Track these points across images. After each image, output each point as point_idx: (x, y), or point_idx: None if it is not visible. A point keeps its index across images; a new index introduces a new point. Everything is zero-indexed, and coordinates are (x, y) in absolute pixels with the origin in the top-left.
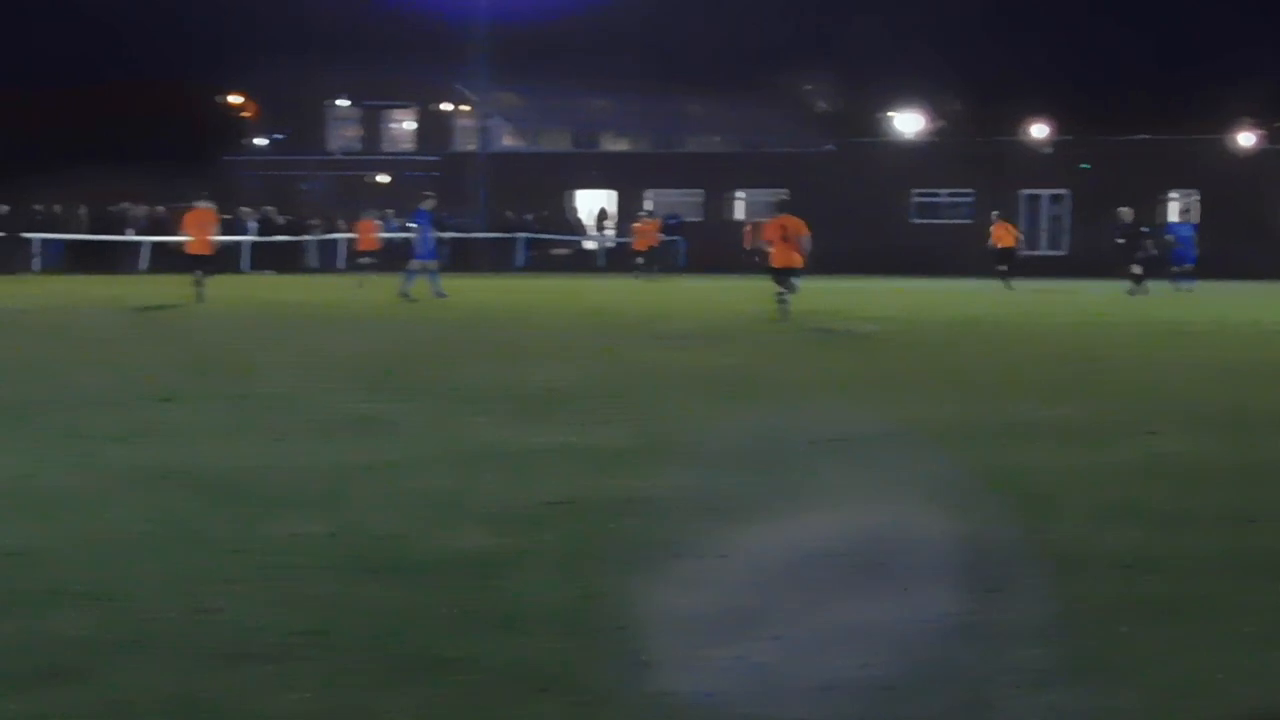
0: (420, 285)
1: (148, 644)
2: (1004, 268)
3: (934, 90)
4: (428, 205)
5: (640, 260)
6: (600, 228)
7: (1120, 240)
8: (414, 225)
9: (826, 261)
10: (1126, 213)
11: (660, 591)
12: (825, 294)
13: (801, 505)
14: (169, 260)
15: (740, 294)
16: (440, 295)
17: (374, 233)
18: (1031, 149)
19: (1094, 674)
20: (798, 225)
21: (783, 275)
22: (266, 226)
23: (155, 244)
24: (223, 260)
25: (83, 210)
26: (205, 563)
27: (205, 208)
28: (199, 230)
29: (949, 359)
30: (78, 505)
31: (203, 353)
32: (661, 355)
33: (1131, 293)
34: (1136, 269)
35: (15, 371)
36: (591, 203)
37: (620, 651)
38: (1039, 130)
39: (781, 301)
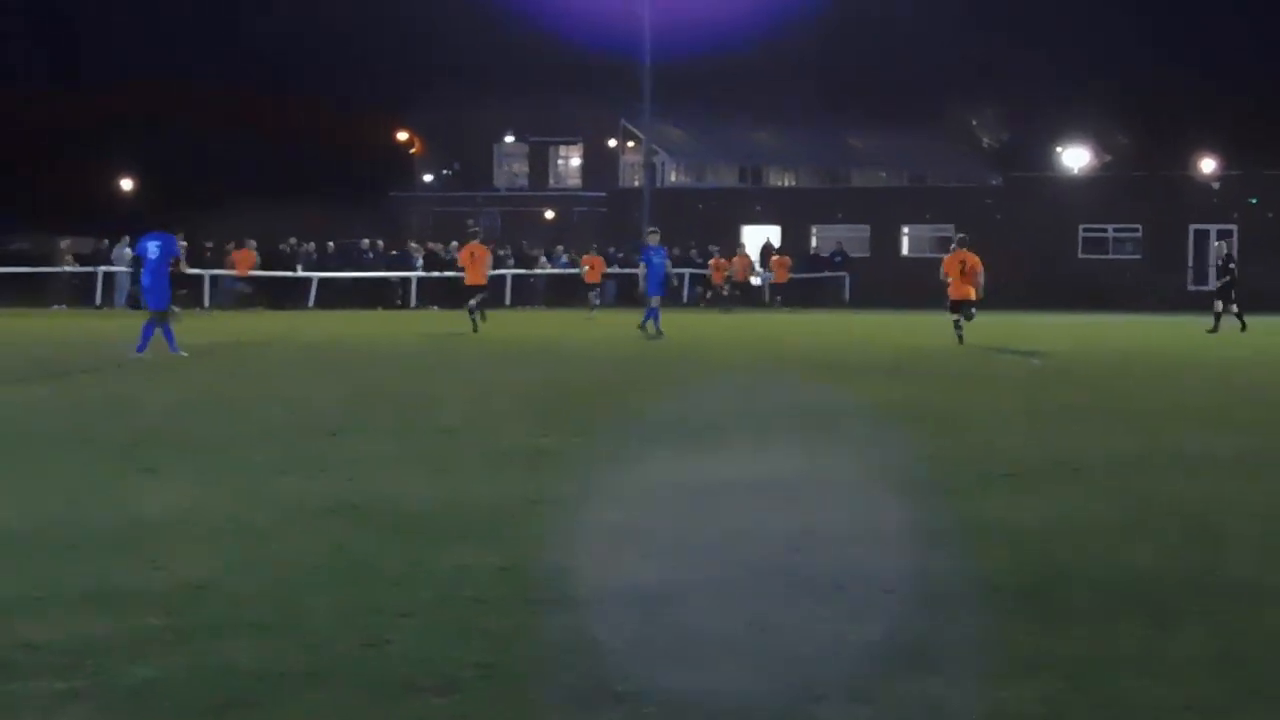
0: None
1: (320, 676)
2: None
3: (1101, 125)
4: (654, 240)
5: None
6: (765, 264)
7: (1223, 277)
8: (643, 261)
9: (993, 297)
10: (1222, 246)
11: (831, 623)
12: (993, 328)
13: (970, 538)
14: (332, 298)
15: (906, 328)
16: (658, 334)
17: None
18: (1199, 183)
19: (1270, 704)
20: (975, 261)
21: (960, 306)
22: (431, 262)
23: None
24: (494, 291)
25: (253, 245)
26: (376, 595)
27: (479, 243)
28: (474, 264)
29: (1116, 391)
30: (249, 538)
31: (370, 386)
32: (833, 388)
33: (1214, 329)
34: (1219, 305)
35: (188, 407)
36: (758, 239)
37: (793, 684)
38: (1207, 165)
39: (958, 329)
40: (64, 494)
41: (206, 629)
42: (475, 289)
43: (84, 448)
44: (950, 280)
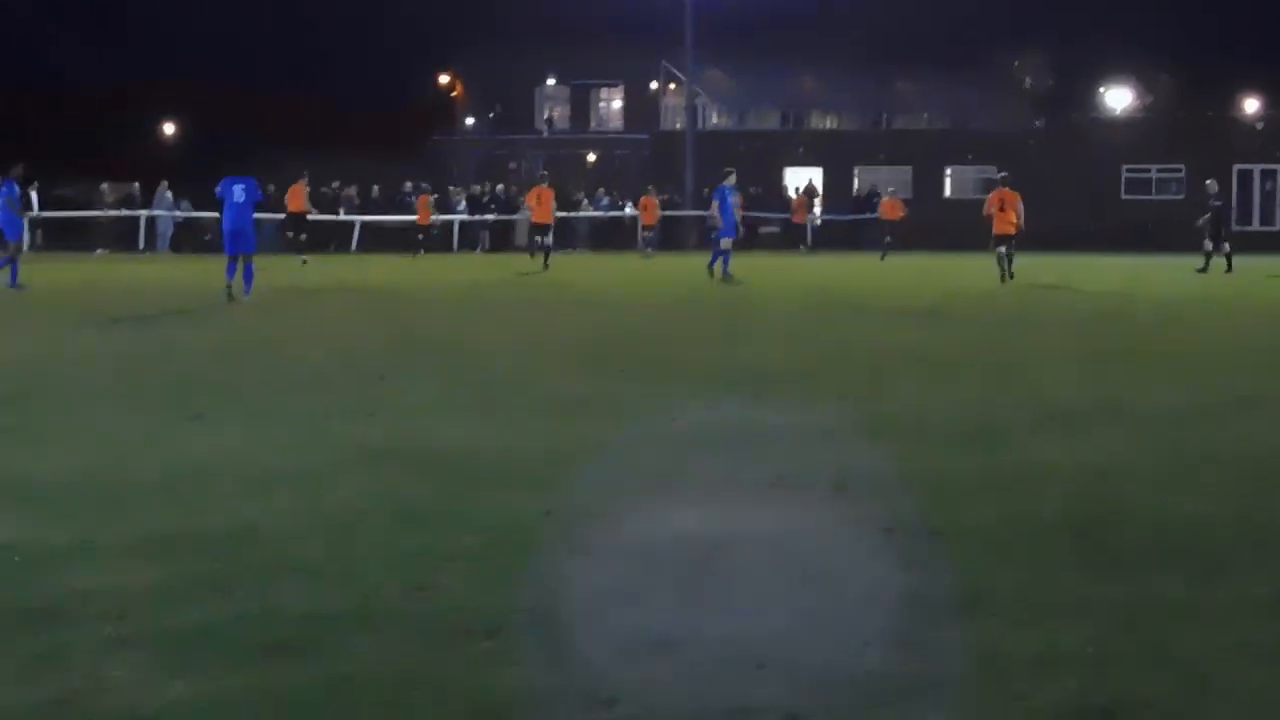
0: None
1: (369, 619)
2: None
3: (1144, 65)
4: (729, 181)
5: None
6: (809, 206)
7: (1208, 215)
8: (715, 202)
9: (1036, 238)
10: (1211, 185)
11: (878, 569)
12: (1037, 270)
13: (1019, 482)
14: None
15: (947, 271)
16: (727, 277)
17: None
18: (1243, 124)
19: None
20: (1014, 197)
21: (1003, 240)
22: (474, 205)
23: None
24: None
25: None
26: (422, 540)
27: (546, 186)
28: (541, 204)
29: (1166, 335)
30: (296, 483)
31: (416, 331)
32: (876, 333)
33: (1204, 269)
34: (1209, 244)
35: (233, 353)
36: (800, 181)
37: (838, 630)
38: (1250, 105)
39: (1001, 264)
40: (111, 442)
41: (255, 574)
42: (543, 226)
43: (131, 395)
44: (993, 215)
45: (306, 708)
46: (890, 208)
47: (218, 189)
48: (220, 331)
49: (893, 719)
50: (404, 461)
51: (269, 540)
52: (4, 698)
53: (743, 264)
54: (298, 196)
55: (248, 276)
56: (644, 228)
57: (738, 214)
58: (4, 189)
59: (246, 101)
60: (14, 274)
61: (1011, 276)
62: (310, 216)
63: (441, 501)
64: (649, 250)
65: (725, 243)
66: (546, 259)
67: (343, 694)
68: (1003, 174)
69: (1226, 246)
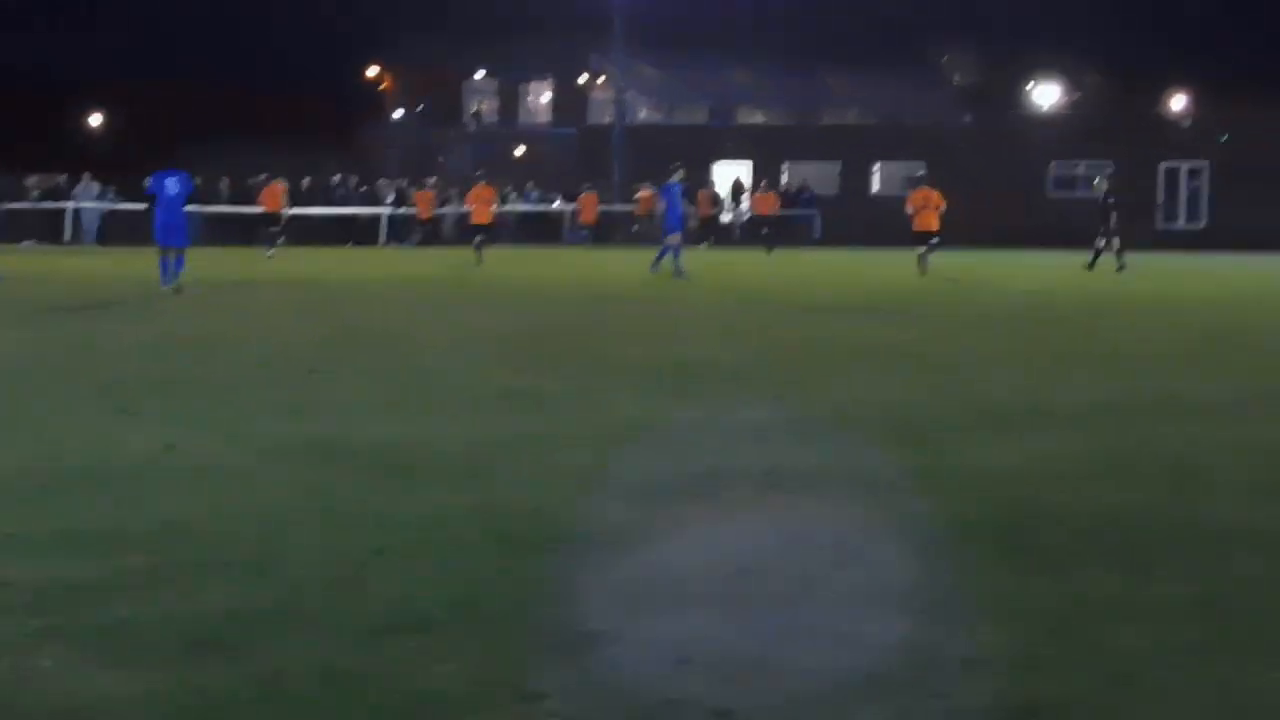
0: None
1: (297, 616)
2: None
3: (1072, 62)
4: (676, 177)
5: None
6: (736, 200)
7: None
8: (664, 199)
9: (964, 234)
10: (1101, 182)
11: (805, 565)
12: (965, 267)
13: (945, 481)
14: (303, 234)
15: (879, 267)
16: (680, 275)
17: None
18: (1171, 121)
19: (1245, 649)
20: (937, 197)
21: (924, 237)
22: (401, 199)
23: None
24: (499, 231)
25: (224, 183)
26: (351, 536)
27: (485, 185)
28: (481, 203)
29: (1093, 332)
30: (225, 478)
31: (348, 326)
32: (807, 329)
33: (1090, 267)
34: (1100, 242)
35: (163, 345)
36: (729, 175)
37: (772, 622)
38: (1178, 102)
39: (922, 260)
40: (38, 434)
41: (182, 570)
42: (480, 227)
43: (59, 387)
44: (915, 213)
45: (234, 705)
46: (763, 202)
47: (149, 183)
48: (150, 325)
49: (817, 715)
50: (333, 457)
51: (197, 536)
52: None
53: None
54: (274, 196)
55: (178, 267)
56: (582, 225)
57: (688, 209)
58: None
59: (172, 93)
60: None
61: (923, 274)
62: (287, 212)
63: (370, 497)
64: (585, 242)
65: (673, 238)
66: (480, 256)
67: (270, 691)
68: (921, 173)
69: (1116, 243)
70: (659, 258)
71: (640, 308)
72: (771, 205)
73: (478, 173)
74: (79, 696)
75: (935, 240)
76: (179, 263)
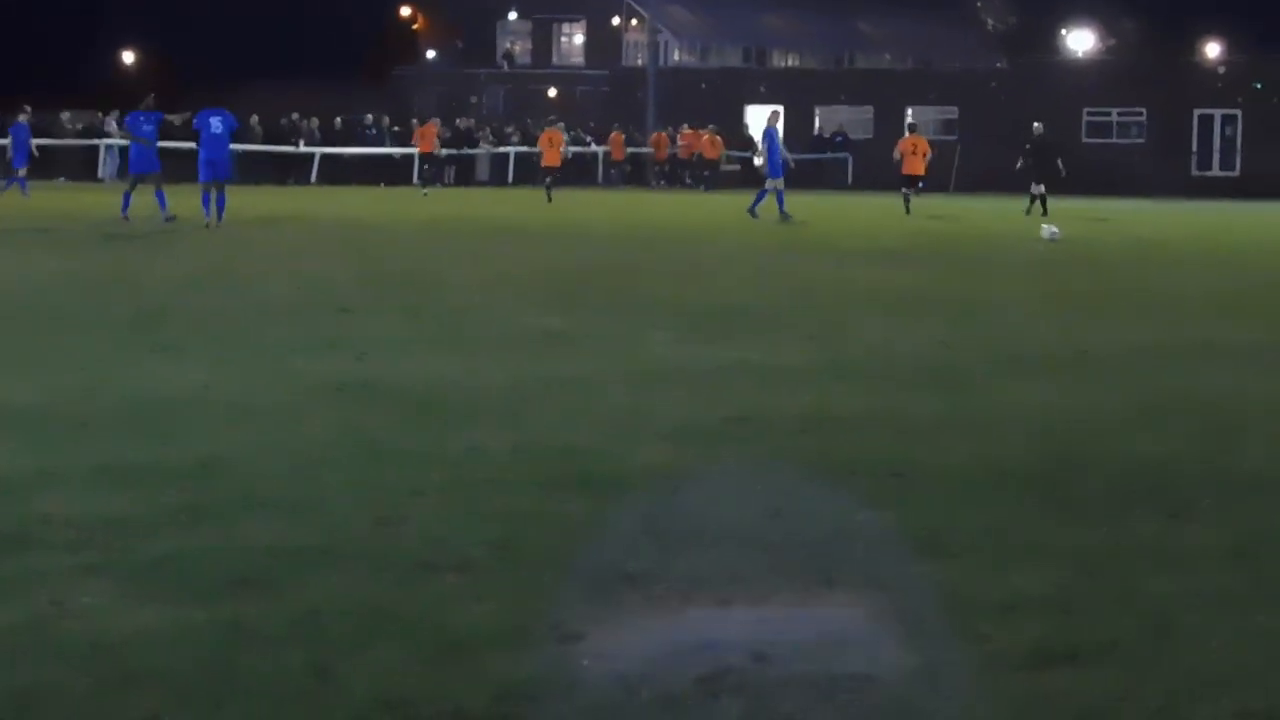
0: (768, 203)
1: (335, 554)
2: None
3: (1106, 8)
4: (775, 123)
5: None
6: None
7: (1027, 157)
8: (765, 142)
9: (996, 181)
10: (1039, 128)
11: (843, 508)
12: (998, 213)
13: (982, 425)
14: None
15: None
16: (786, 218)
17: (558, 148)
18: (1204, 68)
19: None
20: (925, 144)
21: (911, 181)
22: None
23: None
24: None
25: (255, 120)
26: (390, 474)
27: (555, 129)
28: (551, 147)
29: (1129, 278)
30: (261, 416)
31: (380, 264)
32: (841, 273)
33: (1028, 211)
34: (1038, 188)
35: (198, 284)
36: (761, 119)
37: (808, 565)
38: (1212, 50)
39: (906, 200)
40: (76, 371)
41: (220, 506)
42: (550, 169)
43: (95, 324)
44: (902, 158)
45: (271, 641)
46: (710, 145)
47: (194, 120)
48: (186, 261)
49: (857, 658)
50: (369, 395)
51: (235, 473)
52: None
53: (693, 200)
54: (428, 137)
55: (220, 204)
56: (612, 164)
57: (785, 154)
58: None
59: (206, 31)
60: None
61: (908, 213)
62: (440, 152)
63: (407, 436)
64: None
65: (774, 183)
66: (550, 195)
67: (307, 628)
68: (911, 122)
69: (1041, 188)
70: (757, 201)
71: (674, 249)
72: (717, 150)
73: (550, 118)
74: (117, 632)
75: (920, 184)
76: (220, 199)
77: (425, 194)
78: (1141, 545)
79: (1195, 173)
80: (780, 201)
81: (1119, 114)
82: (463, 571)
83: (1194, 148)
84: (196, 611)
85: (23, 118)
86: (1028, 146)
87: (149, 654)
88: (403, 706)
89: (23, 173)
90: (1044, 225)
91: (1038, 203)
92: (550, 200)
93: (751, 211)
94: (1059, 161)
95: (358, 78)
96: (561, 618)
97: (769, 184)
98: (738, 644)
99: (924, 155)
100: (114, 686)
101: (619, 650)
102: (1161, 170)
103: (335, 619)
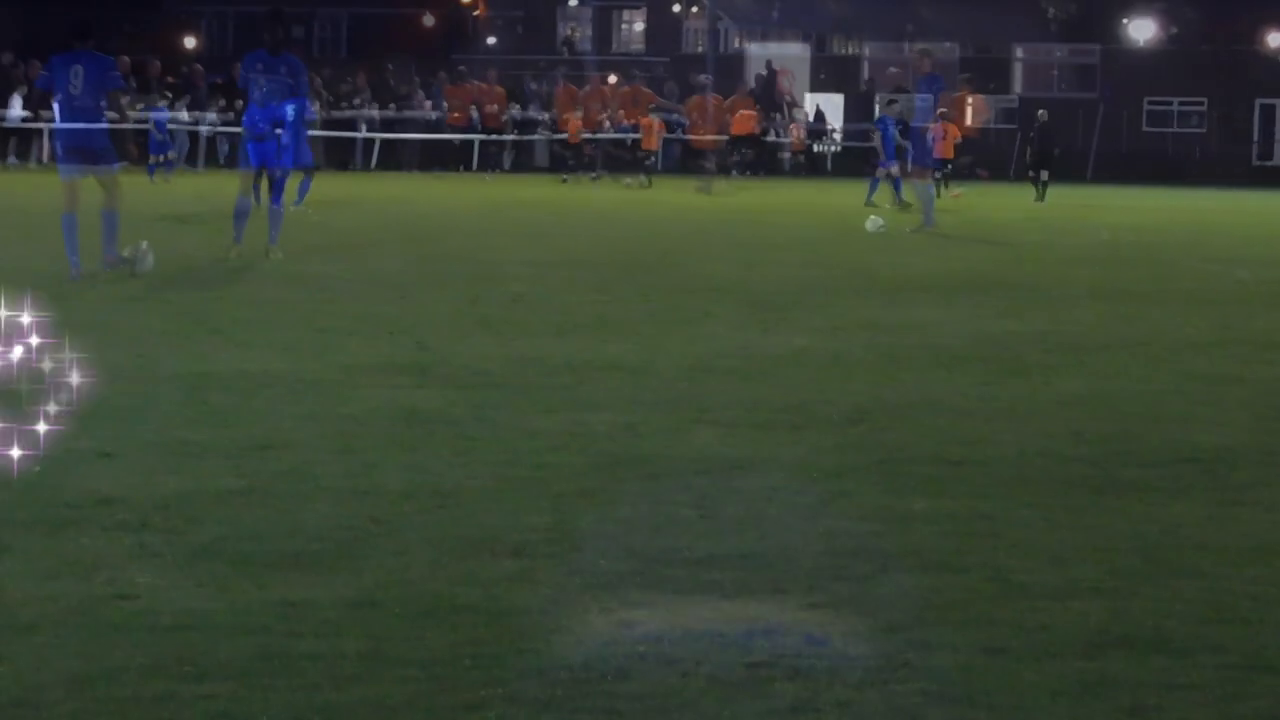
0: (882, 191)
1: (390, 534)
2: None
3: None
4: (892, 110)
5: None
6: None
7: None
8: (879, 129)
9: (1058, 169)
10: (1043, 115)
11: (896, 494)
12: (1054, 201)
13: (1037, 412)
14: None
15: (968, 196)
16: (901, 204)
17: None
18: (1266, 58)
19: None
20: (954, 129)
21: (941, 164)
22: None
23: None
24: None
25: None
26: (445, 457)
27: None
28: (650, 132)
29: (1187, 269)
30: (318, 397)
31: (437, 248)
32: (895, 260)
33: (1042, 198)
34: (1045, 174)
35: (253, 267)
36: (822, 106)
37: (862, 549)
38: (1274, 39)
39: (940, 183)
40: (132, 351)
41: (276, 487)
42: (649, 152)
43: (155, 304)
44: (934, 143)
45: (325, 622)
46: (741, 122)
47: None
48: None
49: (911, 638)
50: (425, 377)
51: (291, 454)
52: (27, 602)
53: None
54: (747, 121)
55: (304, 186)
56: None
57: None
58: None
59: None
60: None
61: (939, 197)
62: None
63: (462, 418)
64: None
65: (887, 170)
66: (649, 180)
67: (362, 609)
68: (942, 110)
69: (1044, 175)
70: (872, 189)
71: (729, 233)
72: (749, 125)
73: (651, 106)
74: (173, 613)
75: (949, 167)
76: (304, 183)
77: (565, 180)
78: (1196, 530)
79: (1256, 162)
80: (897, 187)
81: (1180, 103)
82: (516, 554)
83: (1255, 137)
84: (251, 592)
85: (162, 103)
86: (1031, 134)
87: (204, 635)
88: (456, 690)
89: (173, 155)
90: (871, 216)
91: (1045, 188)
92: (649, 185)
93: (870, 201)
94: (1055, 151)
95: (420, 62)
96: (616, 601)
97: (880, 172)
98: (791, 630)
99: (955, 140)
100: (169, 667)
101: (672, 635)
102: (1222, 160)
103: (392, 600)
